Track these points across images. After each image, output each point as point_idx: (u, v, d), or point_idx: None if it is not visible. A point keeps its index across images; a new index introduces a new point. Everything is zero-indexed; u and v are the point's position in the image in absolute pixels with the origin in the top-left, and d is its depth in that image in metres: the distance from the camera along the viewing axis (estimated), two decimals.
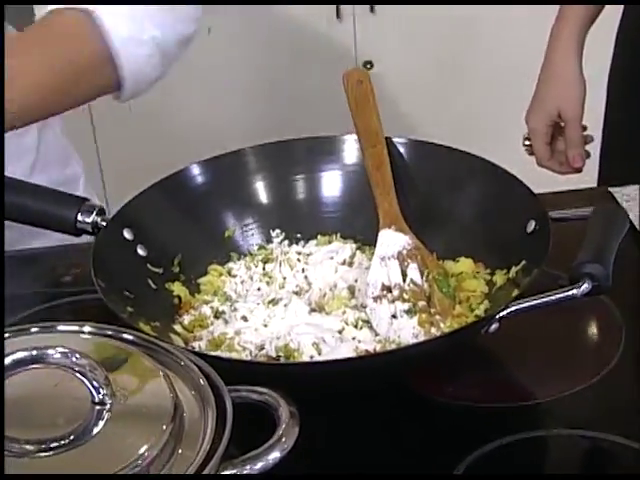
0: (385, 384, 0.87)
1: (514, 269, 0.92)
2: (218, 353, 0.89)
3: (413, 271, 0.94)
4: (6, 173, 1.00)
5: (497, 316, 0.81)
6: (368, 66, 2.51)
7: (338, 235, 1.05)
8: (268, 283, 1.00)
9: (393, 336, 0.90)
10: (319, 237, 1.05)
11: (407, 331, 0.90)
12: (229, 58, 2.45)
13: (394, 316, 0.91)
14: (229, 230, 1.05)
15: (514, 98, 1.50)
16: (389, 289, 0.93)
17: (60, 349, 0.71)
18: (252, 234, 1.06)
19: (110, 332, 0.78)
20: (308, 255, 1.02)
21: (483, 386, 0.91)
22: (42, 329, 0.77)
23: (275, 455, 0.72)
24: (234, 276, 1.01)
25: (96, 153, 2.48)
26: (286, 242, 1.06)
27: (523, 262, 0.91)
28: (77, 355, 0.71)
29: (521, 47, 2.19)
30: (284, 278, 1.00)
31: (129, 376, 0.74)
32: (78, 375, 0.71)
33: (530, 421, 0.87)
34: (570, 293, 0.81)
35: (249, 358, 0.88)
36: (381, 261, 0.96)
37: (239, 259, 1.04)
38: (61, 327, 0.78)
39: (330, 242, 1.04)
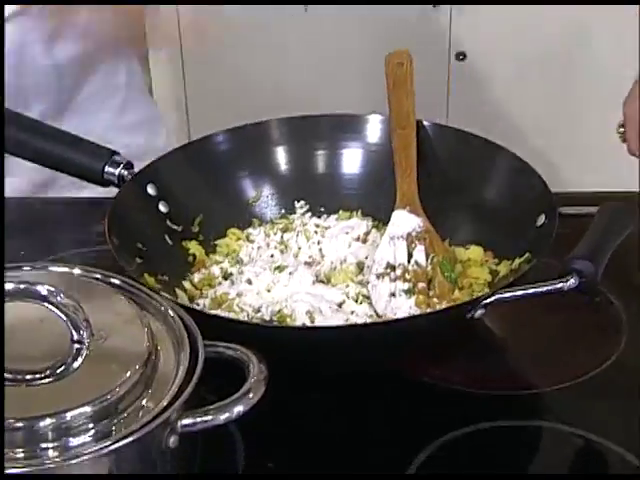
0: (368, 362, 0.89)
1: (517, 260, 0.93)
2: (218, 312, 0.92)
3: (419, 253, 0.96)
4: (98, 112, 1.06)
5: (482, 302, 0.82)
6: (461, 57, 2.49)
7: (359, 212, 1.07)
8: (282, 251, 1.03)
9: (390, 314, 0.92)
10: (341, 212, 1.07)
11: (403, 310, 0.91)
12: (323, 38, 2.47)
13: (393, 294, 0.93)
14: (253, 197, 1.08)
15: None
16: (393, 268, 0.95)
17: (47, 287, 0.74)
18: (275, 204, 1.09)
19: (99, 275, 0.81)
20: (326, 228, 1.04)
21: (476, 372, 0.92)
22: (34, 267, 0.81)
23: (239, 408, 0.75)
24: (252, 241, 1.04)
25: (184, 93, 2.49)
26: (308, 214, 1.08)
27: (527, 254, 0.92)
28: (62, 295, 0.74)
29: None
30: (299, 248, 1.02)
31: (110, 319, 0.78)
32: (60, 314, 0.74)
33: (516, 410, 0.87)
34: (556, 287, 0.82)
35: (245, 319, 0.91)
36: (390, 240, 0.97)
37: (260, 225, 1.07)
38: (52, 267, 0.82)
39: (350, 218, 1.06)
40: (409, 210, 0.99)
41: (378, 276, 0.95)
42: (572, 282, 0.81)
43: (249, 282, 0.96)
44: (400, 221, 0.98)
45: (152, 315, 0.80)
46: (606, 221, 0.87)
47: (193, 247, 1.02)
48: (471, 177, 1.03)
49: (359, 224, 1.04)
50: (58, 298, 0.74)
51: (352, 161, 1.09)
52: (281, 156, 1.09)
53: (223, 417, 0.74)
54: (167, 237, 1.01)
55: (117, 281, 0.81)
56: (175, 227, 1.02)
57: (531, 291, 0.82)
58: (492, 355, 0.94)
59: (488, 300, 0.82)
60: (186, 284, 0.98)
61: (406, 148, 1.02)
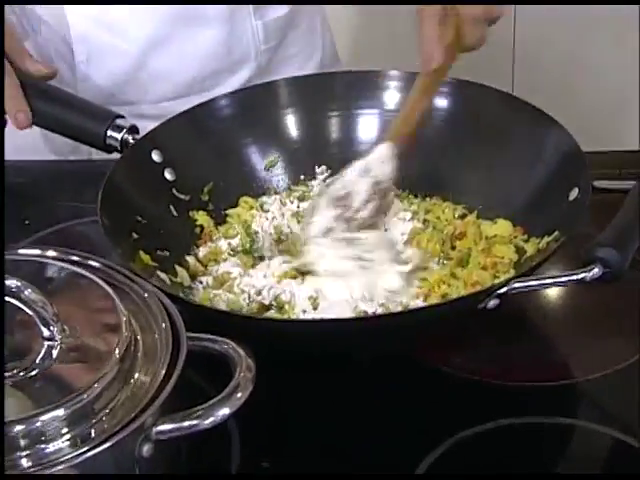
0: (372, 350, 0.82)
1: (546, 239, 0.85)
2: (218, 292, 0.86)
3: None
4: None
5: (495, 293, 0.75)
6: None
7: None
8: (299, 222, 0.96)
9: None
10: None
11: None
12: None
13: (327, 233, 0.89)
14: (269, 162, 1.01)
15: None
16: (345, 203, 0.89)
17: (15, 281, 0.69)
18: (294, 169, 1.02)
19: (76, 258, 0.76)
20: None
21: (496, 361, 0.85)
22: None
23: (224, 411, 0.69)
24: (266, 211, 0.98)
25: None
26: (329, 180, 1.01)
27: (555, 232, 0.83)
28: (29, 289, 0.69)
29: None
30: None
31: (85, 309, 0.73)
32: (28, 310, 0.69)
33: (536, 405, 0.80)
34: (578, 277, 0.74)
35: (246, 302, 0.85)
36: (362, 171, 0.91)
37: (276, 194, 1.00)
38: (23, 251, 0.77)
39: None
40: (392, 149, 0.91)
41: (333, 199, 0.89)
42: (595, 272, 0.73)
43: (257, 260, 0.90)
44: (384, 160, 0.91)
45: (133, 304, 0.74)
46: (638, 202, 0.78)
47: (201, 218, 0.96)
48: (495, 140, 0.95)
49: None
50: (26, 292, 0.69)
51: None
52: (297, 118, 1.02)
53: (207, 422, 0.68)
54: (172, 207, 0.95)
55: (96, 264, 0.76)
56: (182, 196, 0.96)
57: (549, 281, 0.75)
58: (518, 342, 0.87)
59: (501, 291, 0.75)
60: (190, 259, 0.92)
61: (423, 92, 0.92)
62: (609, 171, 0.98)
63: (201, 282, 0.89)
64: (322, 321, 0.79)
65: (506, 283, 0.75)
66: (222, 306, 0.85)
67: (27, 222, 1.02)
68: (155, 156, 0.96)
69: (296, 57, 1.21)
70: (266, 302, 0.85)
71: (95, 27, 1.10)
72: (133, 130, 0.96)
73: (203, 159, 0.98)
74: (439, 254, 0.90)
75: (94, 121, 0.96)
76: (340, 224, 0.89)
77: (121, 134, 0.95)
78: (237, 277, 0.88)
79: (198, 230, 0.96)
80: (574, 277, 0.74)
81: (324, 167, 1.02)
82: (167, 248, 0.91)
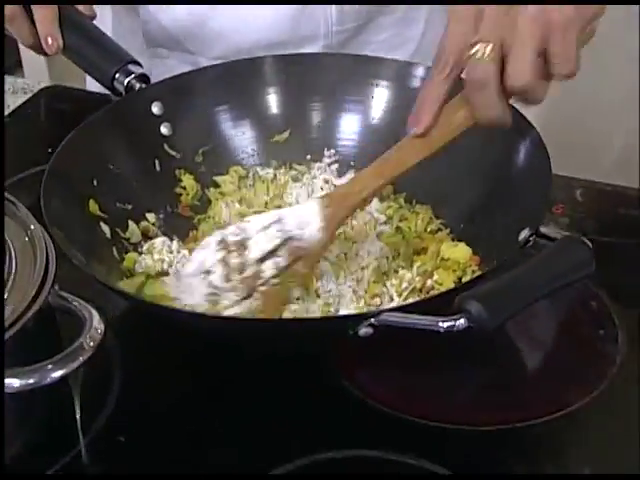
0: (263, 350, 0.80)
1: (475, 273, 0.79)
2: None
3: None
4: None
5: (364, 321, 0.70)
6: None
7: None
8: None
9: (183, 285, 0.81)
10: None
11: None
12: None
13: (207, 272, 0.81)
14: (281, 137, 0.99)
15: None
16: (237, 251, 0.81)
17: None
18: (301, 147, 0.99)
19: None
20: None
21: (412, 393, 0.80)
22: None
23: (56, 374, 0.70)
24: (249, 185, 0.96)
25: None
26: (335, 166, 0.98)
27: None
28: None
29: None
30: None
31: None
32: None
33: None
34: (444, 325, 0.68)
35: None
36: (275, 223, 0.82)
37: (276, 168, 0.98)
38: None
39: None
40: (328, 213, 0.81)
41: (222, 242, 0.81)
42: (461, 323, 0.67)
43: None
44: (307, 212, 0.81)
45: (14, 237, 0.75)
46: (545, 260, 0.70)
47: (186, 181, 0.95)
48: (478, 155, 0.88)
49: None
50: None
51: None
52: (320, 99, 0.99)
53: (29, 382, 0.69)
54: (157, 162, 0.94)
55: None
56: (173, 153, 0.96)
57: (417, 322, 0.69)
58: (436, 372, 0.81)
59: (372, 320, 0.70)
60: (150, 217, 0.92)
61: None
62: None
63: (152, 242, 0.89)
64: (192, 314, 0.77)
65: (378, 313, 0.70)
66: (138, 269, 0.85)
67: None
68: (155, 108, 0.95)
69: (381, 43, 1.15)
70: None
71: None
72: (142, 78, 0.96)
73: (204, 121, 0.97)
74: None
75: (107, 60, 0.97)
76: (220, 269, 0.80)
77: (128, 78, 0.95)
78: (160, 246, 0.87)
79: (178, 191, 0.95)
80: (440, 323, 0.68)
81: (333, 151, 0.98)
82: (131, 201, 0.91)
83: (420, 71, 0.94)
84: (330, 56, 1.03)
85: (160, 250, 0.87)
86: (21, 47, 1.02)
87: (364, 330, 0.71)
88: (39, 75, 2.17)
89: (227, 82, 0.98)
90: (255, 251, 0.80)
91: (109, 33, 1.02)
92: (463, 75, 0.72)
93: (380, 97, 0.96)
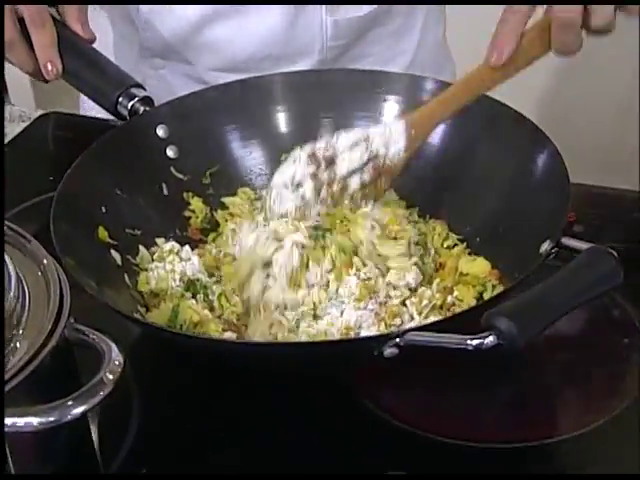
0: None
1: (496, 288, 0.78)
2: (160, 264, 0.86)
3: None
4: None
5: (389, 342, 0.68)
6: None
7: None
8: None
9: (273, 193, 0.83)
10: None
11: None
12: None
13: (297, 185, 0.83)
14: (286, 154, 0.97)
15: None
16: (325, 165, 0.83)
17: None
18: None
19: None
20: None
21: (434, 411, 0.78)
22: None
23: (78, 409, 0.68)
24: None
25: None
26: None
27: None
28: None
29: None
30: None
31: None
32: None
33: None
34: (472, 343, 0.66)
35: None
36: (363, 140, 0.84)
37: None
38: None
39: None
40: (412, 133, 0.85)
41: (313, 155, 0.84)
42: (490, 340, 0.66)
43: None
44: (393, 137, 0.84)
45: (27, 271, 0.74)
46: (572, 273, 0.69)
47: (195, 204, 0.94)
48: (495, 167, 0.88)
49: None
50: None
51: None
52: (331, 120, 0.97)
53: (49, 420, 0.67)
54: (164, 185, 0.93)
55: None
56: (180, 176, 0.94)
57: (444, 341, 0.68)
58: (464, 393, 0.80)
59: (398, 340, 0.68)
60: (160, 241, 0.90)
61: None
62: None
63: (157, 267, 0.87)
64: (215, 340, 0.76)
65: (403, 333, 0.69)
66: (152, 282, 0.84)
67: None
68: (160, 131, 0.94)
69: (376, 56, 1.14)
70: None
71: None
72: (146, 101, 0.95)
73: (211, 142, 0.96)
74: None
75: (109, 84, 0.96)
76: (310, 183, 0.84)
77: (132, 102, 0.94)
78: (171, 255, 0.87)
79: (187, 214, 0.94)
80: (468, 342, 0.66)
81: None
82: (140, 227, 0.89)
83: (430, 84, 0.93)
84: (338, 72, 1.01)
85: (171, 260, 0.86)
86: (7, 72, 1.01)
87: (389, 351, 0.69)
88: (24, 101, 2.15)
89: (232, 101, 0.97)
90: (342, 167, 0.83)
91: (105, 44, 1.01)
92: (549, 13, 0.78)
93: (390, 112, 0.95)
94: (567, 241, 0.74)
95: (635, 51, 1.69)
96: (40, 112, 1.19)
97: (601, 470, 0.72)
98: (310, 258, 0.83)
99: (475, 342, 0.66)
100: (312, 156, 0.84)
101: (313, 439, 0.76)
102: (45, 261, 0.74)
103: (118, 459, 0.76)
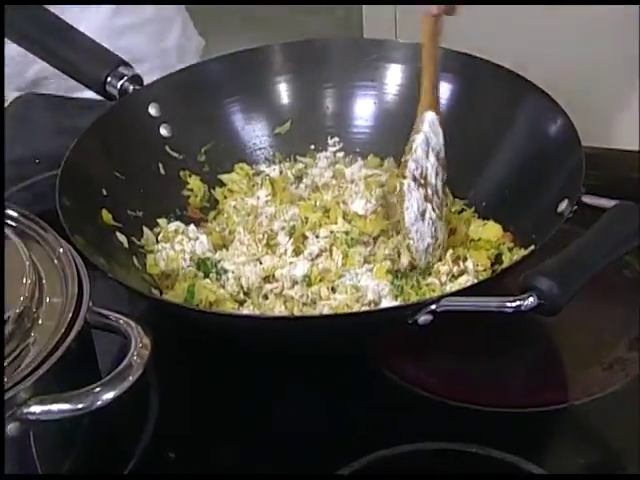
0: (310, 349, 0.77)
1: (521, 252, 0.77)
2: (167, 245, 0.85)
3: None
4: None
5: (425, 308, 0.68)
6: None
7: (391, 160, 0.92)
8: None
9: (414, 235, 0.82)
10: (370, 157, 0.94)
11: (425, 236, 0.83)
12: None
13: (423, 215, 0.82)
14: (281, 128, 0.96)
15: None
16: (425, 182, 0.83)
17: None
18: (303, 138, 0.96)
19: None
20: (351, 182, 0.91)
21: (455, 378, 0.78)
22: None
23: (108, 395, 0.66)
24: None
25: None
26: (341, 154, 0.95)
27: (531, 247, 0.75)
28: None
29: None
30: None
31: None
32: None
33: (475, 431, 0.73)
34: (512, 305, 0.66)
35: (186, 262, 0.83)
36: (425, 145, 0.84)
37: (281, 162, 0.95)
38: None
39: (381, 165, 0.93)
40: (438, 119, 0.85)
41: (415, 179, 0.83)
42: (530, 302, 0.65)
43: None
44: (435, 129, 0.85)
45: (43, 263, 0.72)
46: (604, 230, 0.69)
47: (193, 182, 0.92)
48: (504, 131, 0.88)
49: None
50: None
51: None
52: (303, 83, 0.96)
53: (81, 405, 0.65)
54: (161, 165, 0.91)
55: (14, 213, 0.73)
56: (175, 154, 0.93)
57: (481, 304, 0.67)
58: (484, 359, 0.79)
59: (433, 307, 0.68)
60: (162, 222, 0.88)
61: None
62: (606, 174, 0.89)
63: (165, 248, 0.86)
64: (245, 317, 0.75)
65: (438, 299, 0.68)
66: (161, 264, 0.83)
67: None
68: (152, 110, 0.92)
69: None
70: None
71: None
72: (136, 80, 0.92)
73: (204, 118, 0.95)
74: None
75: (96, 64, 0.93)
76: (428, 205, 0.84)
77: (121, 82, 0.92)
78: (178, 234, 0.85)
79: (186, 193, 0.92)
80: (508, 304, 0.66)
81: (337, 139, 0.96)
82: (142, 208, 0.87)
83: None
84: (337, 41, 0.99)
85: (180, 240, 0.85)
86: None
87: (424, 318, 0.68)
88: None
89: (225, 75, 0.95)
90: (433, 178, 0.85)
91: None
92: None
93: (392, 80, 0.94)
94: (589, 199, 0.74)
95: None
96: (16, 94, 1.15)
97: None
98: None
99: (515, 304, 0.65)
100: (415, 181, 0.83)
101: (338, 418, 0.75)
102: (61, 249, 0.72)
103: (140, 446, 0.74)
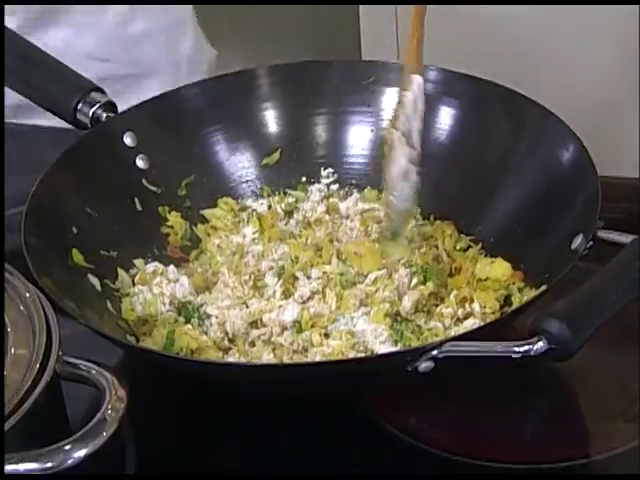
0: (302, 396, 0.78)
1: (532, 292, 0.79)
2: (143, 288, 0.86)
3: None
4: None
5: (425, 355, 0.69)
6: None
7: None
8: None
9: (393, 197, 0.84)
10: (367, 190, 0.96)
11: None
12: None
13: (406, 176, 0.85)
14: (270, 158, 0.98)
15: None
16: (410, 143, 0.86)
17: None
18: (293, 169, 0.98)
19: None
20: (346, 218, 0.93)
21: (461, 430, 0.79)
22: None
23: (80, 453, 0.67)
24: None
25: None
26: (335, 187, 0.97)
27: (543, 287, 0.77)
28: None
29: None
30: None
31: None
32: None
33: None
34: (520, 350, 0.67)
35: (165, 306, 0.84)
36: (414, 105, 0.86)
37: (269, 196, 0.97)
38: None
39: (379, 199, 0.94)
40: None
41: (404, 135, 0.85)
42: (540, 346, 0.67)
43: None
44: (421, 94, 0.86)
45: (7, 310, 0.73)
46: (621, 267, 0.70)
47: (173, 219, 0.93)
48: (511, 160, 0.90)
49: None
50: None
51: None
52: (292, 111, 0.98)
53: (49, 465, 0.66)
54: (137, 200, 0.93)
55: None
56: (153, 188, 0.94)
57: (486, 349, 0.69)
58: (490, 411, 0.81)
59: (434, 352, 0.69)
60: (138, 263, 0.90)
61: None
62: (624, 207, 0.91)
63: (141, 291, 0.87)
64: (233, 365, 0.77)
65: (440, 344, 0.69)
66: (138, 308, 0.84)
67: None
68: (128, 139, 0.94)
69: None
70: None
71: None
72: (109, 107, 0.94)
73: (185, 148, 0.96)
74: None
75: (65, 89, 0.94)
76: (411, 166, 0.86)
77: (93, 109, 0.93)
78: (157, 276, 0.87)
79: (165, 230, 0.93)
80: (515, 349, 0.67)
81: (330, 170, 0.98)
82: (116, 247, 0.89)
83: (432, 75, 0.94)
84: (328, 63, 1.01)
85: (159, 282, 0.86)
86: None
87: (425, 365, 0.70)
88: None
89: (206, 102, 0.97)
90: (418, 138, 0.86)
91: None
92: None
93: (387, 103, 0.96)
94: (605, 234, 0.76)
95: None
96: None
97: None
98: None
99: (523, 348, 0.67)
100: (405, 136, 0.85)
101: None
102: (27, 294, 0.73)
103: None
